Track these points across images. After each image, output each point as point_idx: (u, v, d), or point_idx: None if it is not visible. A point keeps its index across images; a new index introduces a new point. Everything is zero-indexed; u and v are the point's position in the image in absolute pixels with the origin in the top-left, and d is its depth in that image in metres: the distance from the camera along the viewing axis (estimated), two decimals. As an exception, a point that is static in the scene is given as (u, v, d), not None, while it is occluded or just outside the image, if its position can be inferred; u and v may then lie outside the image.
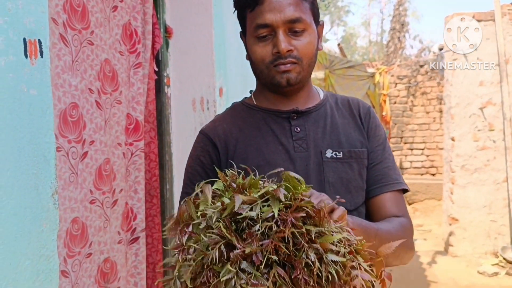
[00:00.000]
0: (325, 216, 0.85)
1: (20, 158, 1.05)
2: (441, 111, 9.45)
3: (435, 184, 8.27)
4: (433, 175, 9.64)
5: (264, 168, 1.10)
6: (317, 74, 4.96)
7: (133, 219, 1.83)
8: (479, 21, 5.45)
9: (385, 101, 5.13)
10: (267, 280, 0.77)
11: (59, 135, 1.34)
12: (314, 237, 0.81)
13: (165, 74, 2.17)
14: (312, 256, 0.78)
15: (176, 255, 0.85)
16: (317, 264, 0.78)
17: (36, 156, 1.09)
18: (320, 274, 0.79)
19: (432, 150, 9.70)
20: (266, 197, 0.84)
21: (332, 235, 0.83)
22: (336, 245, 0.82)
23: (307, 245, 0.79)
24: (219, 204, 0.86)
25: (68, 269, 1.38)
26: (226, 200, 0.85)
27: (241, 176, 0.92)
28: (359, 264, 0.84)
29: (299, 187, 0.89)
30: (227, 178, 0.92)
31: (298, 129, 1.21)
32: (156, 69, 2.02)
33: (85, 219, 1.49)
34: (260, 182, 0.89)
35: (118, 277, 1.71)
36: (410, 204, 8.48)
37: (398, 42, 12.88)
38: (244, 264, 0.78)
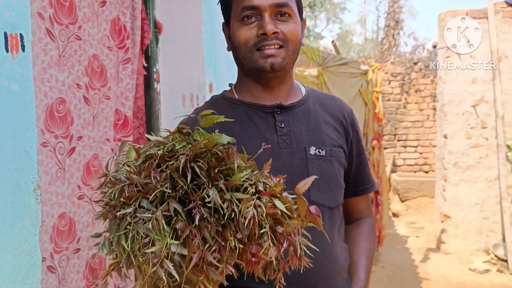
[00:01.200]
0: (235, 156, 0.83)
1: (0, 152, 1.04)
2: (434, 109, 9.47)
3: (428, 182, 8.30)
4: (427, 172, 9.67)
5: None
6: (310, 72, 4.95)
7: (122, 215, 1.83)
8: (472, 18, 5.47)
9: (377, 99, 5.13)
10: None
11: (45, 131, 1.34)
12: (218, 175, 0.80)
13: (154, 70, 2.16)
14: (212, 192, 0.77)
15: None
16: (218, 200, 0.76)
17: (17, 151, 1.09)
18: (222, 212, 0.77)
19: (425, 147, 9.73)
20: (175, 139, 0.84)
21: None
22: (245, 185, 0.81)
23: (207, 182, 0.78)
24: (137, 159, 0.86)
25: (55, 265, 1.38)
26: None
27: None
28: (273, 205, 0.81)
29: (216, 134, 0.86)
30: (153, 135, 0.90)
31: (283, 124, 1.19)
32: (145, 65, 2.01)
33: (73, 214, 1.49)
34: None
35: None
36: (403, 201, 8.51)
37: (393, 39, 12.90)
38: (144, 202, 0.77)
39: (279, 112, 1.20)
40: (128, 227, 0.76)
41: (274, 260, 0.81)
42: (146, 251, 0.73)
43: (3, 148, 1.04)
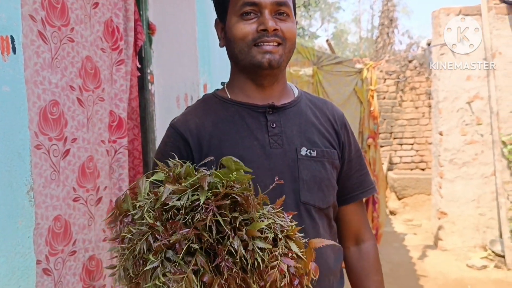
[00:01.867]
0: (254, 202, 0.85)
1: (-8, 154, 1.04)
2: (430, 106, 9.49)
3: (424, 179, 8.32)
4: (423, 170, 9.70)
5: None
6: (305, 71, 4.96)
7: (118, 216, 1.83)
8: (465, 15, 5.49)
9: (372, 97, 5.14)
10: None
11: (39, 133, 1.33)
12: (240, 224, 0.81)
13: (148, 71, 2.16)
14: (236, 243, 0.79)
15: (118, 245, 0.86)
16: (241, 251, 0.79)
17: (10, 153, 1.08)
18: (245, 261, 0.80)
19: (421, 145, 9.75)
20: (197, 186, 0.84)
21: (262, 221, 0.83)
22: (264, 232, 0.83)
23: (230, 233, 0.80)
24: (153, 195, 0.86)
25: (50, 267, 1.38)
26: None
27: (185, 166, 0.91)
28: (289, 249, 0.85)
29: (231, 175, 0.88)
30: (166, 168, 0.91)
31: (274, 124, 1.18)
32: (139, 66, 2.01)
33: (68, 216, 1.48)
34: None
35: (104, 275, 1.70)
36: (400, 199, 8.53)
37: (387, 37, 12.91)
38: (169, 254, 0.79)
39: (271, 112, 1.19)
40: (157, 282, 0.78)
41: None
42: None
43: (-4, 150, 1.04)
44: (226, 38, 1.20)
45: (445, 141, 5.66)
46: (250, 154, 1.13)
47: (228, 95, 1.23)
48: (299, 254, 0.86)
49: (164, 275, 0.77)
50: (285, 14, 1.15)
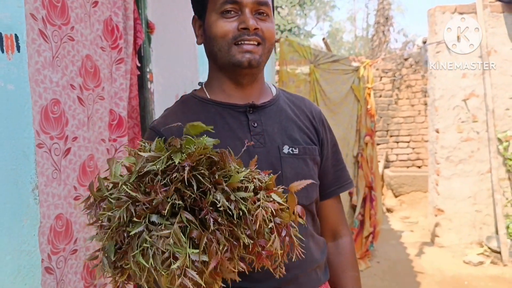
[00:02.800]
0: (228, 158, 0.85)
1: (-1, 153, 1.04)
2: (426, 104, 9.53)
3: (421, 176, 8.35)
4: (419, 167, 9.73)
5: None
6: (302, 69, 4.96)
7: (119, 215, 1.83)
8: (461, 13, 5.51)
9: (369, 95, 5.15)
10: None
11: (40, 132, 1.34)
12: (219, 179, 0.82)
13: (148, 70, 2.17)
14: (218, 195, 0.79)
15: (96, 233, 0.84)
16: (225, 202, 0.79)
17: (15, 151, 1.09)
18: (230, 212, 0.80)
19: (417, 142, 9.78)
20: (170, 151, 0.84)
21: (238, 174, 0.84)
22: (244, 183, 0.84)
23: (211, 187, 0.80)
24: (126, 174, 0.86)
25: (52, 266, 1.38)
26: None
27: (155, 141, 0.90)
28: (270, 199, 0.86)
29: (202, 138, 0.88)
30: (135, 150, 0.90)
31: (256, 124, 1.17)
32: (139, 65, 2.01)
33: (70, 215, 1.48)
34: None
35: (105, 274, 1.71)
36: (396, 196, 8.56)
37: (383, 36, 12.96)
38: (153, 217, 0.77)
39: (251, 112, 1.18)
40: (145, 244, 0.76)
41: (278, 250, 0.84)
42: (172, 265, 0.74)
43: (1, 148, 1.04)
44: (205, 35, 1.19)
45: (442, 139, 5.68)
46: (233, 154, 1.13)
47: (208, 95, 1.22)
48: (281, 202, 0.86)
49: (151, 239, 0.76)
50: (265, 14, 1.14)
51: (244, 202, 0.81)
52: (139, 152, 0.87)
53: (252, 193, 0.83)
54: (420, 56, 9.37)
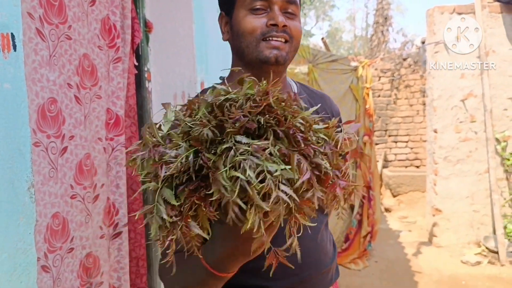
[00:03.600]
0: (295, 99, 0.84)
1: (-5, 152, 1.05)
2: (424, 104, 9.53)
3: (419, 176, 8.35)
4: (418, 167, 9.74)
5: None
6: (301, 69, 4.96)
7: (115, 214, 1.83)
8: (459, 14, 5.52)
9: (368, 94, 5.15)
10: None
11: (37, 130, 1.34)
12: (296, 110, 0.80)
13: (145, 69, 2.17)
14: (299, 121, 0.78)
15: (151, 181, 0.78)
16: (306, 127, 0.78)
17: (11, 150, 1.09)
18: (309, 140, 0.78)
19: (416, 142, 9.79)
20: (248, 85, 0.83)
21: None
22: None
23: (290, 116, 0.78)
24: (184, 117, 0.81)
25: (49, 264, 1.38)
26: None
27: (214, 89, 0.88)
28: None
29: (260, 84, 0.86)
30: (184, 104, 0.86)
31: None
32: (136, 64, 2.01)
33: (66, 214, 1.49)
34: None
35: (101, 272, 1.71)
36: (394, 196, 8.57)
37: (382, 35, 12.96)
38: (238, 137, 0.74)
39: None
40: (236, 158, 0.71)
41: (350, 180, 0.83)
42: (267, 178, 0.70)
43: (-3, 147, 1.04)
44: (232, 32, 1.19)
45: (440, 139, 5.69)
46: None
47: (231, 90, 1.23)
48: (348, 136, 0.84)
49: (242, 155, 0.72)
50: (293, 13, 1.15)
51: (320, 132, 0.79)
52: (216, 85, 0.85)
53: (329, 125, 0.83)
54: (418, 56, 9.38)
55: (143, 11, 2.13)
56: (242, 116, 0.75)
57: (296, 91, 1.29)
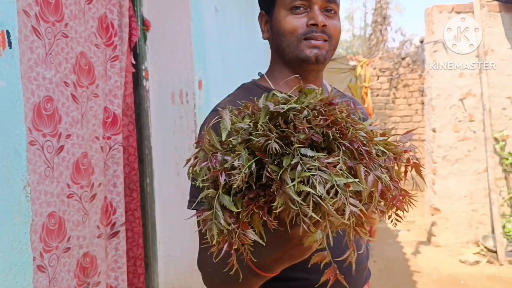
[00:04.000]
0: (355, 109, 0.84)
1: (-10, 150, 1.03)
2: (423, 103, 9.53)
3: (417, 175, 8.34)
4: (416, 166, 9.72)
5: None
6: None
7: (113, 213, 1.82)
8: (458, 13, 5.51)
9: (366, 94, 5.15)
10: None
11: (33, 129, 1.32)
12: (357, 121, 0.81)
13: (143, 68, 2.16)
14: (362, 134, 0.78)
15: (208, 188, 0.79)
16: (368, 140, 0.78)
17: (6, 148, 1.08)
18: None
19: (414, 142, 9.77)
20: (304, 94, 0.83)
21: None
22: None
23: (352, 128, 0.78)
24: (246, 121, 0.81)
25: (44, 264, 1.37)
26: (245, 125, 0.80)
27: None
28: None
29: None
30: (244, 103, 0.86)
31: None
32: (134, 62, 2.00)
33: (62, 213, 1.47)
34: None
35: (98, 272, 1.70)
36: (393, 195, 8.55)
37: (380, 35, 12.96)
38: (303, 150, 0.74)
39: None
40: (304, 174, 0.72)
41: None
42: (338, 193, 0.71)
43: (-8, 145, 1.03)
44: (272, 31, 1.20)
45: (438, 138, 5.69)
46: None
47: (271, 85, 1.22)
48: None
49: (310, 170, 0.72)
50: (332, 11, 1.16)
51: (379, 144, 0.80)
52: (275, 92, 0.86)
53: (387, 137, 0.84)
54: (417, 55, 9.37)
55: (140, 9, 2.12)
56: (306, 129, 0.75)
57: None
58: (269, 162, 0.75)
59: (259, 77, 1.28)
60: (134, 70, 2.01)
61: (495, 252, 5.18)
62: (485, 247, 5.35)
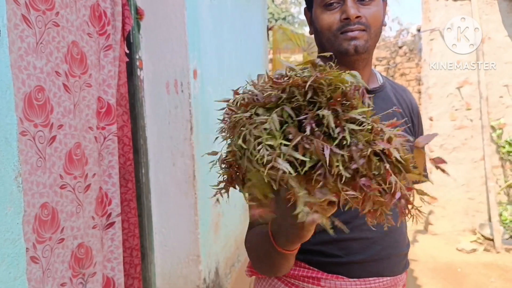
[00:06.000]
0: (360, 94, 0.79)
1: (-21, 141, 1.02)
2: (420, 92, 9.51)
3: (415, 165, 8.36)
4: (413, 155, 9.74)
5: None
6: (296, 57, 4.94)
7: (108, 204, 1.81)
8: (455, 0, 5.48)
9: (363, 82, 5.13)
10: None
11: (24, 119, 1.31)
12: (339, 104, 0.76)
13: (137, 57, 2.13)
14: (325, 112, 0.74)
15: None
16: (330, 121, 0.73)
17: (-4, 138, 1.06)
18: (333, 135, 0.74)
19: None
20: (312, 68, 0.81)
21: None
22: (360, 121, 0.76)
23: (324, 103, 0.75)
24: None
25: (38, 255, 1.36)
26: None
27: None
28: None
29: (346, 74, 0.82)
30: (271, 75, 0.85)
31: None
32: (127, 52, 1.98)
33: (55, 204, 1.46)
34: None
35: (94, 262, 1.69)
36: (391, 184, 8.58)
37: (377, 24, 12.93)
38: (259, 110, 0.78)
39: None
40: (243, 128, 0.74)
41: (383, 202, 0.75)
42: (262, 150, 0.71)
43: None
44: (314, 27, 1.22)
45: (435, 126, 5.68)
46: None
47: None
48: (400, 159, 0.74)
49: (251, 125, 0.74)
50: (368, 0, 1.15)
51: (353, 134, 0.74)
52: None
53: (368, 133, 0.75)
54: (414, 44, 9.35)
55: (133, -3, 2.09)
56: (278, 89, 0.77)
57: (381, 83, 1.28)
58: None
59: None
60: (127, 60, 1.99)
61: (492, 240, 5.19)
62: (482, 235, 5.37)
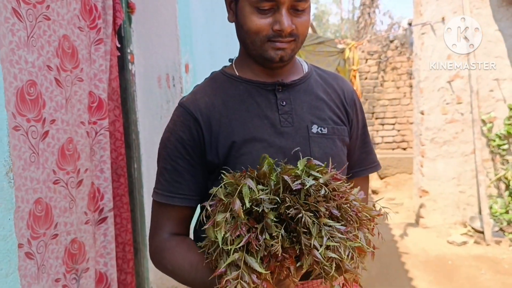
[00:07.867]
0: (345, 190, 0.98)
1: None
2: (411, 86, 9.56)
3: (406, 158, 8.41)
4: (404, 149, 9.80)
5: (251, 143, 1.09)
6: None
7: (100, 199, 1.80)
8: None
9: (355, 77, 5.14)
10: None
11: (16, 114, 1.30)
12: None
13: (128, 51, 2.12)
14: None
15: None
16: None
17: (-13, 133, 1.05)
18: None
19: (403, 124, 9.84)
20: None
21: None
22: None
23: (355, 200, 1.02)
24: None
25: (33, 251, 1.36)
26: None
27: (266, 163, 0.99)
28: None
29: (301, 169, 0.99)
30: (233, 175, 0.98)
31: (284, 102, 1.15)
32: (119, 46, 1.97)
33: (49, 200, 1.45)
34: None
35: (87, 258, 1.69)
36: (382, 178, 8.62)
37: (369, 18, 12.92)
38: (325, 221, 0.94)
39: (280, 90, 1.16)
40: (330, 242, 0.92)
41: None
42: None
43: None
44: (237, 21, 1.15)
45: (426, 120, 5.71)
46: (261, 133, 1.11)
47: (236, 72, 1.20)
48: (365, 246, 1.00)
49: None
50: (301, 9, 1.09)
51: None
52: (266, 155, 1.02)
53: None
54: (405, 38, 9.37)
55: (125, -9, 2.07)
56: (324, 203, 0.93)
57: (307, 71, 1.25)
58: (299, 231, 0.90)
59: (230, 63, 1.25)
60: (119, 54, 1.97)
61: (482, 232, 5.25)
62: (472, 228, 5.42)
